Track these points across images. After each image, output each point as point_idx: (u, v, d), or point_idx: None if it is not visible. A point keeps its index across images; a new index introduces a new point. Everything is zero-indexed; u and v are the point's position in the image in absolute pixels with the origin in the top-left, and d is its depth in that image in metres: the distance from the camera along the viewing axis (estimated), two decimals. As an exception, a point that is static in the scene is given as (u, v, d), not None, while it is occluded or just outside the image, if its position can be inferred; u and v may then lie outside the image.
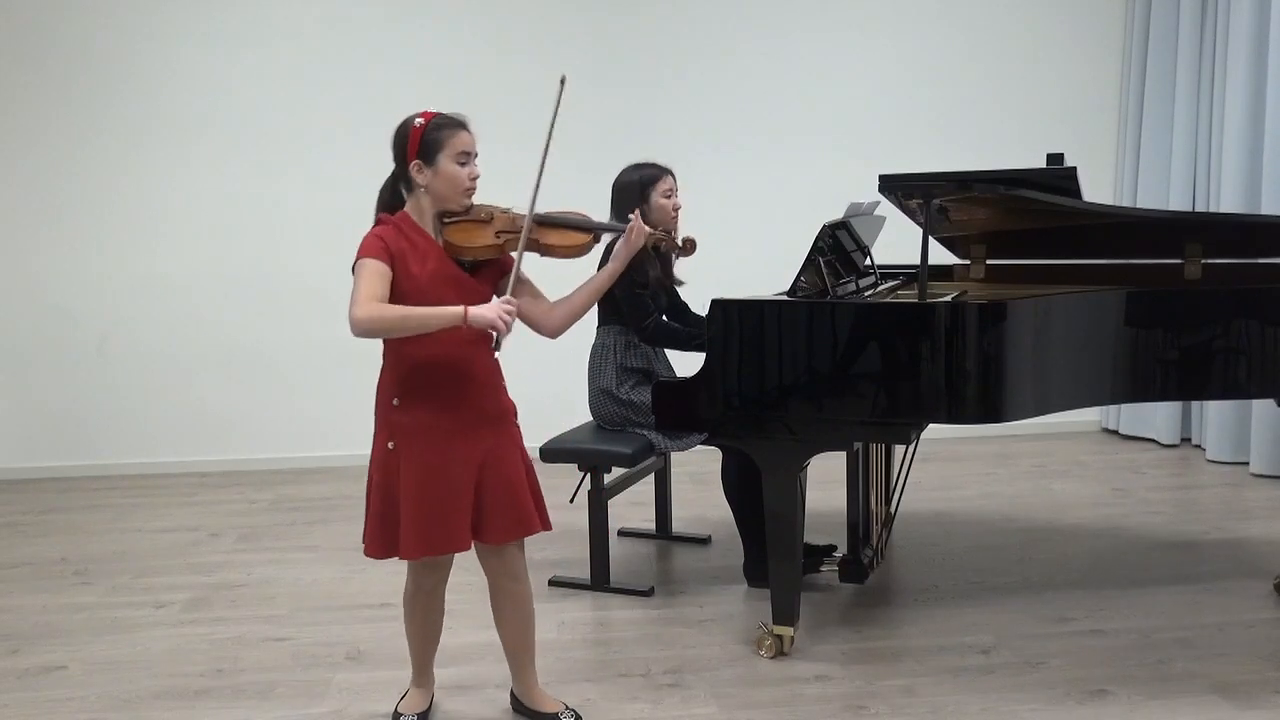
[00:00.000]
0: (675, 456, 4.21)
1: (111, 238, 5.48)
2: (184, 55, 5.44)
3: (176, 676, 3.06)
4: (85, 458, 5.55)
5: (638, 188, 3.60)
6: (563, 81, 2.56)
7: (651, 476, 4.15)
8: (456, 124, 2.46)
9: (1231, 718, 2.68)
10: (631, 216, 2.74)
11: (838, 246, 3.27)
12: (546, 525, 2.59)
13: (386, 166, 2.52)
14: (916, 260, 3.00)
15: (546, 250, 2.56)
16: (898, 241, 3.94)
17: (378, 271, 2.36)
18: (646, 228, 2.75)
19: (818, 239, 3.07)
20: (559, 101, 2.53)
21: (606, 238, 2.97)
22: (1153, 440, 5.75)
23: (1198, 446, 5.57)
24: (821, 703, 2.80)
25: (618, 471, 3.75)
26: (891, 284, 3.78)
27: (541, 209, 2.54)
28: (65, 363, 5.51)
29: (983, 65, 5.87)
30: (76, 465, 5.55)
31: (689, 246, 2.92)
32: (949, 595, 3.55)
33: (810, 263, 3.06)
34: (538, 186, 2.51)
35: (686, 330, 3.72)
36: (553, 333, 2.62)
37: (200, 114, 5.47)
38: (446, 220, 2.50)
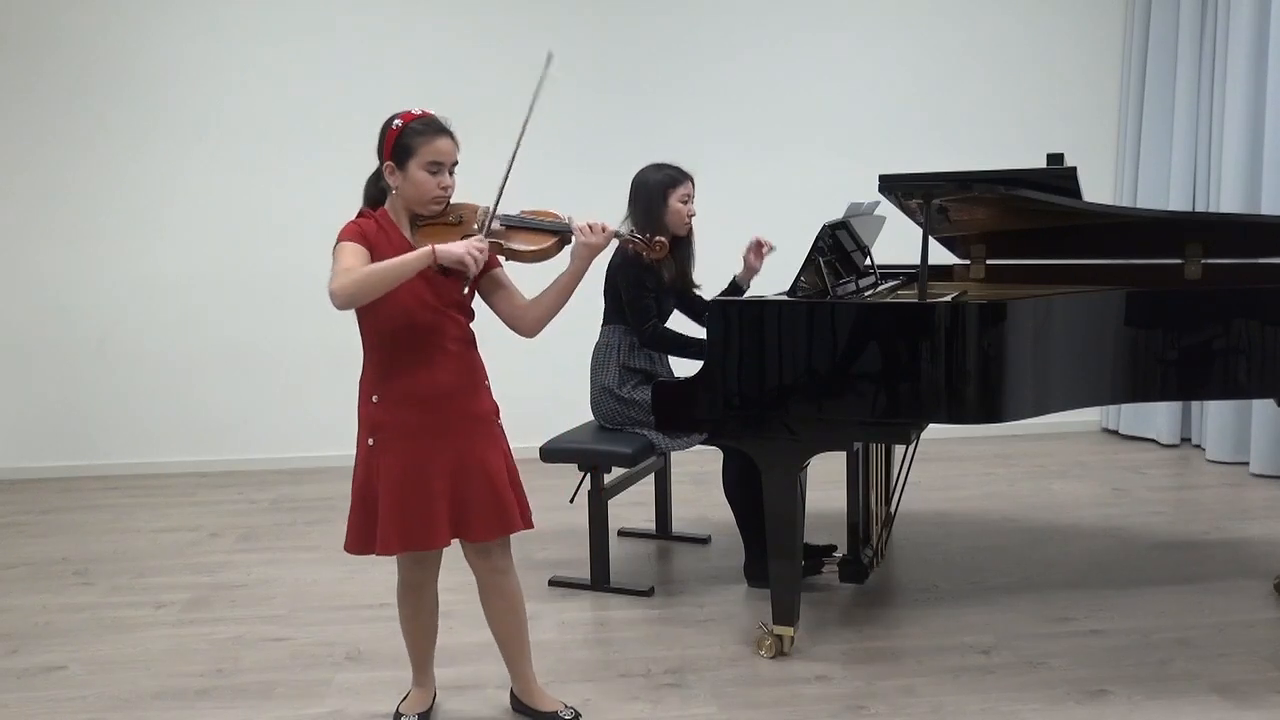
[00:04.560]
0: (675, 456, 4.20)
1: (112, 238, 5.48)
2: (186, 56, 5.44)
3: (176, 676, 3.06)
4: (85, 458, 5.55)
5: (658, 188, 3.58)
6: (549, 59, 2.46)
7: (651, 476, 4.15)
8: (434, 130, 2.41)
9: (1231, 718, 2.68)
10: (591, 223, 2.54)
11: (838, 246, 3.27)
12: (528, 523, 2.58)
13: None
14: (916, 260, 3.00)
15: (511, 255, 2.51)
16: (898, 241, 3.94)
17: (356, 251, 2.36)
18: (611, 228, 2.54)
19: (818, 239, 3.07)
20: (542, 80, 2.43)
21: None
22: (1153, 440, 5.75)
23: (1198, 446, 5.57)
24: (821, 703, 2.80)
25: (618, 471, 3.75)
26: (891, 284, 3.78)
27: (516, 208, 2.49)
28: (66, 362, 5.51)
29: (983, 65, 5.87)
30: (77, 465, 5.55)
31: (659, 249, 2.67)
32: (949, 595, 3.55)
33: (810, 263, 3.05)
34: (504, 185, 2.46)
35: (686, 337, 3.71)
36: (528, 332, 2.60)
37: (202, 114, 5.47)
38: (419, 223, 2.51)
